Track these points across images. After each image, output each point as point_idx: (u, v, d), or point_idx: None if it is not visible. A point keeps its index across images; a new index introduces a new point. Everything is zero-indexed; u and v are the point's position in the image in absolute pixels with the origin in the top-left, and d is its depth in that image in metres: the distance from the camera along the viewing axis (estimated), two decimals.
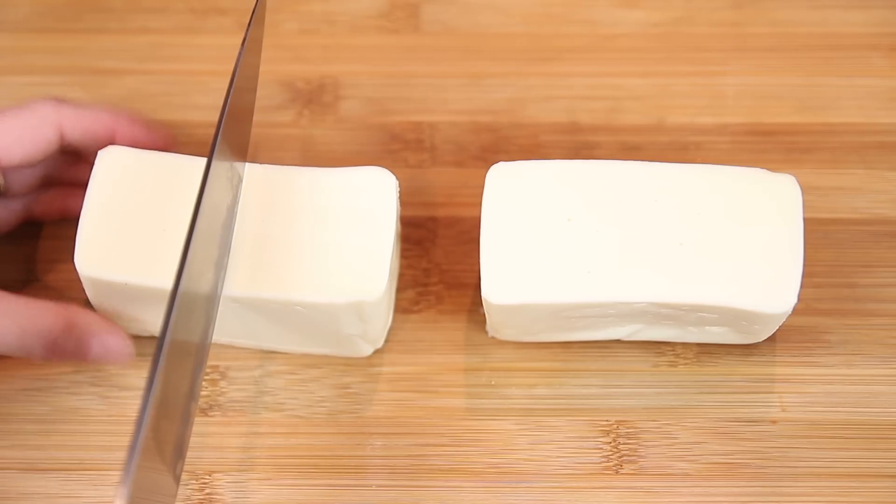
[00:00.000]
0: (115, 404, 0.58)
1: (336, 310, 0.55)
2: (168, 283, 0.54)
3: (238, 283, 0.55)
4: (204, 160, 0.58)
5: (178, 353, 0.51)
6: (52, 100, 0.58)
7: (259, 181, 0.57)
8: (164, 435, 0.50)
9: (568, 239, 0.55)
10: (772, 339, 0.59)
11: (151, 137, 0.60)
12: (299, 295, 0.54)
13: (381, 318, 0.58)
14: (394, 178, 0.57)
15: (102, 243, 0.55)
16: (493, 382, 0.59)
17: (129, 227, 0.55)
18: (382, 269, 0.55)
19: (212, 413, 0.58)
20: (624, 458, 0.57)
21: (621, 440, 0.57)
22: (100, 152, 0.57)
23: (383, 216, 0.56)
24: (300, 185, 0.57)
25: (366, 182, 0.57)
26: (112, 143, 0.58)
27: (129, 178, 0.56)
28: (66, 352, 0.54)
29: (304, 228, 0.56)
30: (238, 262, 0.55)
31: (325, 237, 0.55)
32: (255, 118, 0.64)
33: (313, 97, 0.67)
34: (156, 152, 0.58)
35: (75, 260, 0.54)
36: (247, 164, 0.58)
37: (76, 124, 0.58)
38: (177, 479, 0.52)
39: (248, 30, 0.54)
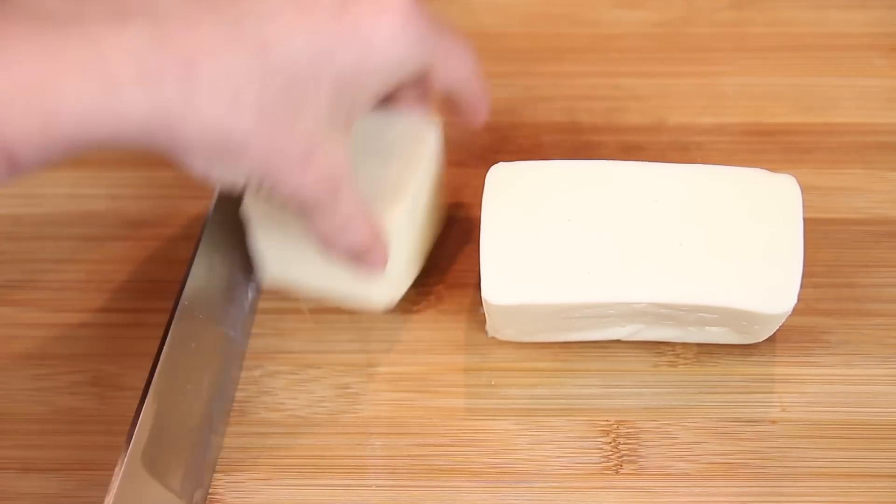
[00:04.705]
0: (115, 404, 0.58)
1: None
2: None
3: None
4: None
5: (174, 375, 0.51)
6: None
7: None
8: (166, 463, 0.51)
9: (568, 239, 0.55)
10: (772, 339, 0.59)
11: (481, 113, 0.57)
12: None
13: (400, 254, 0.56)
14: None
15: None
16: (493, 382, 0.59)
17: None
18: (407, 192, 0.55)
19: None
20: (624, 458, 0.57)
21: (621, 440, 0.57)
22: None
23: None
24: None
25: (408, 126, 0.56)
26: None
27: None
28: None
29: None
30: None
31: None
32: None
33: None
34: None
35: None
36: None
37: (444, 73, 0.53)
38: None
39: None
